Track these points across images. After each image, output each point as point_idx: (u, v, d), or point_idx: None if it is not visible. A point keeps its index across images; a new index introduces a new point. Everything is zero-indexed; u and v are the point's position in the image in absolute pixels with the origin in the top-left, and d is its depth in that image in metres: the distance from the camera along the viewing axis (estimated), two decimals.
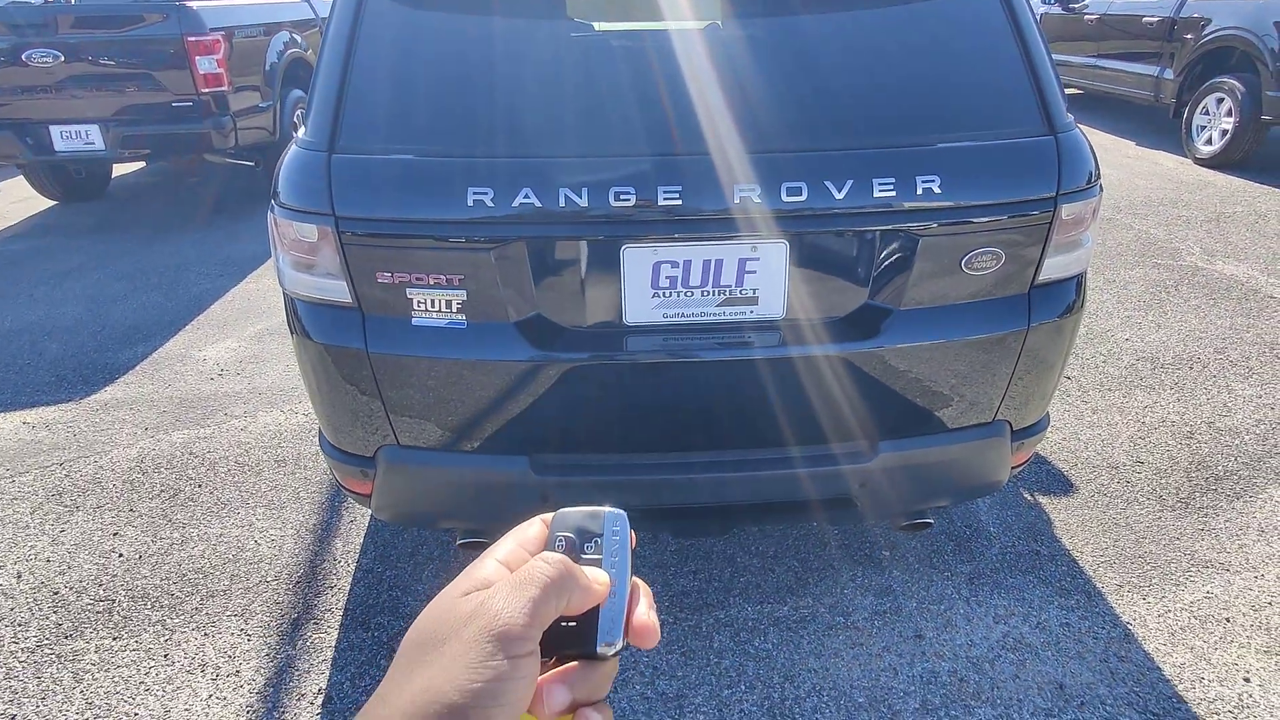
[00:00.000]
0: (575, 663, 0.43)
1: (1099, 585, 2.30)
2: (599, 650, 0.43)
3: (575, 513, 0.47)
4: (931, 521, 1.99)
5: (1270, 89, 5.81)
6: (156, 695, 2.01)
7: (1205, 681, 1.99)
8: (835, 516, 1.93)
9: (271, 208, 1.65)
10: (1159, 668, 2.03)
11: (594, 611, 0.43)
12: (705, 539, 2.49)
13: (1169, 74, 6.79)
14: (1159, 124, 7.90)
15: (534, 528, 0.47)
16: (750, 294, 1.63)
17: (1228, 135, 6.18)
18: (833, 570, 2.38)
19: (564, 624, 0.43)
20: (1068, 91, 1.65)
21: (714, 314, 1.64)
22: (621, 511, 0.47)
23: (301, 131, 1.63)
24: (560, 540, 0.46)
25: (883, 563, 2.40)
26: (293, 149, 1.63)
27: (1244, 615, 2.18)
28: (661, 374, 1.69)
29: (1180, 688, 1.97)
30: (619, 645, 0.43)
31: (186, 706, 1.98)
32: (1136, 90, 7.26)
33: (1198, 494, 2.67)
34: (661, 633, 2.04)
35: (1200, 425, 3.04)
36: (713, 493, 1.82)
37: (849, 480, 1.79)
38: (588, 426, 1.75)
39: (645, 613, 0.45)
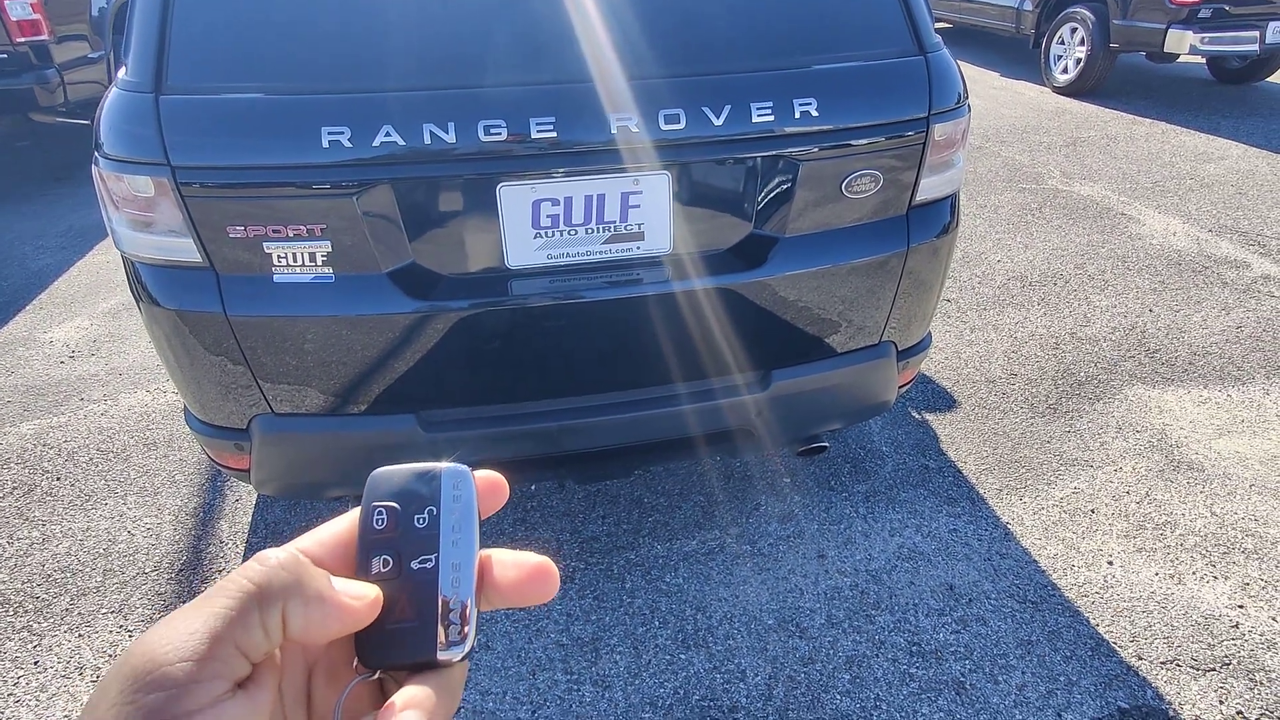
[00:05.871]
0: (415, 682, 0.33)
1: (981, 491, 2.45)
2: (440, 657, 0.33)
3: (398, 472, 0.36)
4: (827, 445, 2.05)
5: (1116, 17, 6.16)
6: (29, 705, 1.85)
7: (1075, 568, 2.16)
8: (735, 448, 1.95)
9: (95, 160, 1.46)
10: (1035, 560, 2.19)
11: (430, 606, 0.34)
12: (610, 482, 2.49)
13: (1028, 5, 7.09)
14: (1021, 55, 8.27)
15: (347, 517, 0.37)
16: (635, 229, 1.58)
17: (1081, 63, 6.53)
18: (737, 502, 2.43)
19: (392, 625, 0.34)
20: (938, 26, 1.66)
21: (600, 252, 1.59)
22: (463, 467, 0.37)
23: (122, 71, 1.44)
24: (379, 513, 0.36)
25: (784, 490, 2.47)
26: (113, 91, 1.44)
27: (1106, 505, 2.38)
28: (551, 318, 1.63)
29: (1054, 576, 2.14)
30: (468, 644, 0.34)
31: (65, 712, 1.83)
32: (1000, 22, 7.55)
33: (1064, 399, 2.87)
34: (574, 579, 1.96)
35: (1065, 336, 3.26)
36: (612, 435, 1.80)
37: (746, 410, 1.81)
38: (477, 378, 1.68)
39: (514, 564, 0.36)
